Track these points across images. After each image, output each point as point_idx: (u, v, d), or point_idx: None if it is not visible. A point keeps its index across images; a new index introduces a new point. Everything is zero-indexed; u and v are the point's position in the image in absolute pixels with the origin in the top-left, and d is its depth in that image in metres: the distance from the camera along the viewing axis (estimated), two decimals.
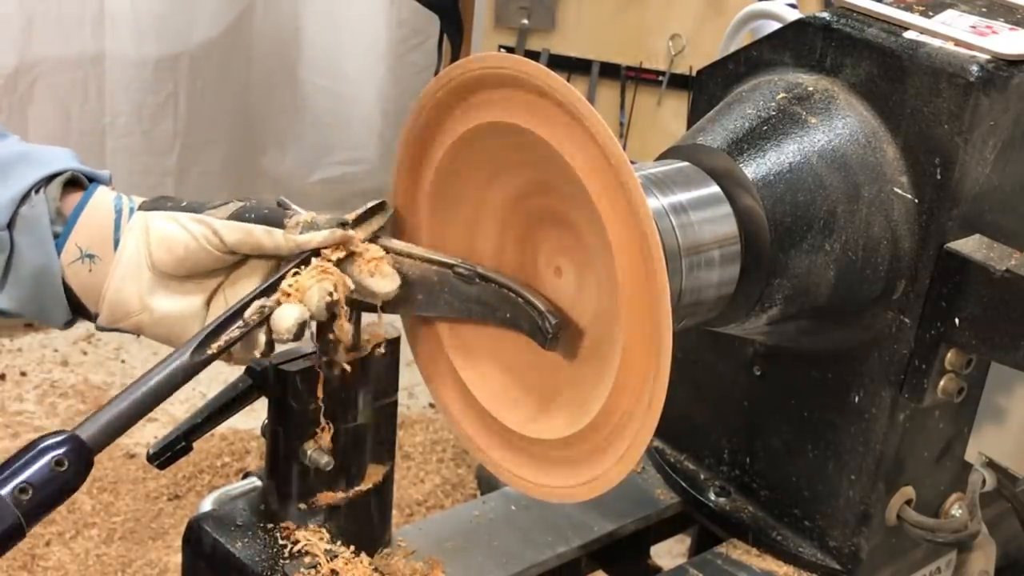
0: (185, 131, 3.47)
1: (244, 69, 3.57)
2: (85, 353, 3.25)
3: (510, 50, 2.87)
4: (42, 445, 0.88)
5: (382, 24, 3.73)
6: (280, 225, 1.00)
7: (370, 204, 1.03)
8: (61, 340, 3.28)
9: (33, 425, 2.94)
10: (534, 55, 2.87)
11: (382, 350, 1.08)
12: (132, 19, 3.27)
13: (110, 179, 1.07)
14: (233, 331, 0.97)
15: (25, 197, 1.01)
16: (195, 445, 1.13)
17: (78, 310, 1.05)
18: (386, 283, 1.00)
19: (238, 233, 1.00)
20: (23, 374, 3.14)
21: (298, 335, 0.97)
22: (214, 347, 0.96)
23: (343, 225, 1.00)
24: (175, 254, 1.00)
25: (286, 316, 0.96)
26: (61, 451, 0.88)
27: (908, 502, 1.20)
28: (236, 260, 1.02)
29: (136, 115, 3.37)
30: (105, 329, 1.04)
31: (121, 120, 3.35)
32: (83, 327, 3.27)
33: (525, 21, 2.88)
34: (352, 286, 0.99)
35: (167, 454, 1.11)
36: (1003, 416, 1.21)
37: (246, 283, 1.02)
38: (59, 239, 1.02)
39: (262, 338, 0.98)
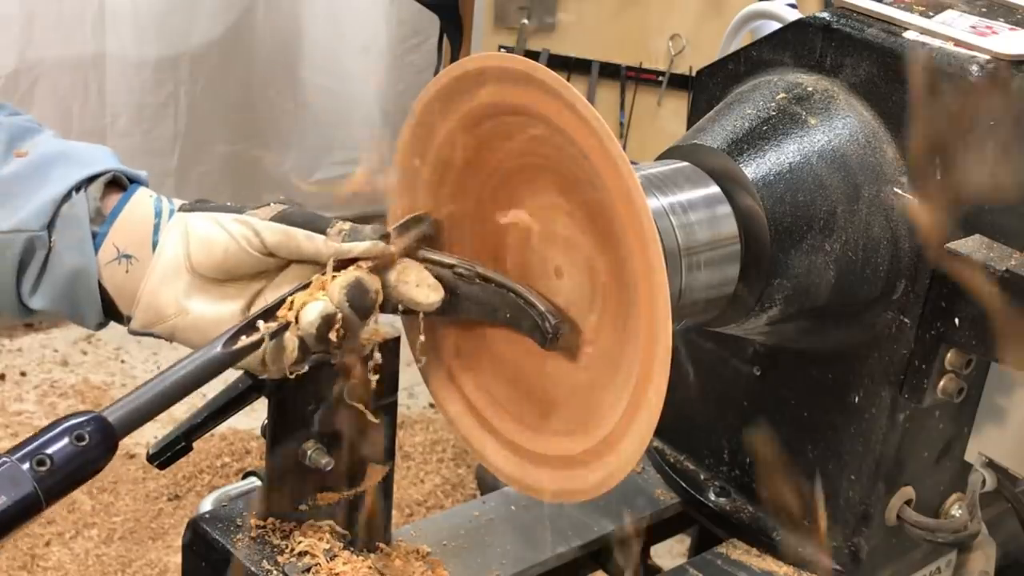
0: (185, 131, 3.47)
1: (245, 69, 3.57)
2: (85, 353, 3.25)
3: (510, 50, 2.87)
4: (66, 424, 0.86)
5: (382, 24, 3.74)
6: (322, 231, 0.98)
7: (409, 216, 1.02)
8: (61, 340, 3.28)
9: (33, 425, 2.94)
10: (534, 55, 2.87)
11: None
12: (132, 19, 3.27)
13: (147, 180, 1.05)
14: (264, 327, 0.94)
15: (66, 197, 0.99)
16: (195, 445, 1.13)
17: (110, 312, 1.02)
18: (431, 294, 1.00)
19: (279, 235, 0.98)
20: (23, 374, 3.14)
21: (322, 332, 0.95)
22: (244, 340, 0.94)
23: (385, 237, 0.99)
24: (214, 256, 0.98)
25: (309, 310, 0.95)
26: (83, 429, 0.85)
27: (908, 502, 1.20)
28: (277, 265, 1.00)
29: (136, 115, 3.37)
30: (137, 333, 1.02)
31: (121, 120, 3.35)
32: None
33: (525, 21, 2.88)
34: (378, 288, 0.98)
35: (167, 454, 1.11)
36: (1003, 416, 1.21)
37: (289, 289, 0.99)
38: (97, 238, 1.00)
39: (294, 342, 0.95)
